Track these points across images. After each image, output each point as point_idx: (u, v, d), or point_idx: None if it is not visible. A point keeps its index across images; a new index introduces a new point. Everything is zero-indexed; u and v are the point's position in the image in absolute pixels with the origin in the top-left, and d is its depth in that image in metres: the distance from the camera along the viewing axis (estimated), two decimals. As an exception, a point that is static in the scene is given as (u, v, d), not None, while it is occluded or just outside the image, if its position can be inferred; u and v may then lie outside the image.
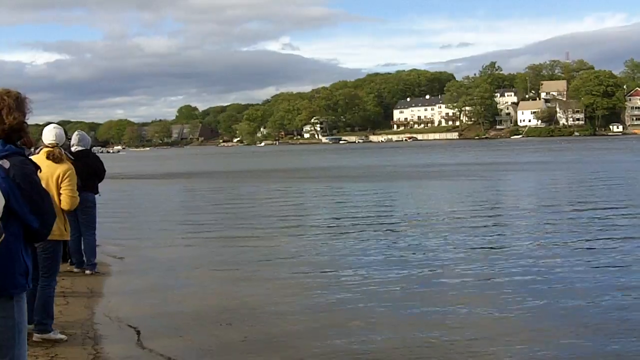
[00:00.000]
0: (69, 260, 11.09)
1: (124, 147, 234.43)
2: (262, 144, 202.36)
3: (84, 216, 10.59)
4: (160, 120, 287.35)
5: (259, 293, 9.48)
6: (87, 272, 10.71)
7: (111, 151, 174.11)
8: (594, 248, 12.51)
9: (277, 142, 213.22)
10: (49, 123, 8.10)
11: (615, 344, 6.90)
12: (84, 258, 10.78)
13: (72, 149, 10.61)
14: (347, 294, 9.25)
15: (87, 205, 10.60)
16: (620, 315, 7.90)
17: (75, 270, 10.81)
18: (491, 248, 12.80)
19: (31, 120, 4.27)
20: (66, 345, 6.85)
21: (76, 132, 11.02)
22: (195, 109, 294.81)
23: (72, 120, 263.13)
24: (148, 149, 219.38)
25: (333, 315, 8.23)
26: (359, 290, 9.47)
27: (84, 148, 10.69)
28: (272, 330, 7.54)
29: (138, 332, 7.49)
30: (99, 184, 11.01)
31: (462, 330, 7.48)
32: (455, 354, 6.71)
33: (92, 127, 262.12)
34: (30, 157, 4.15)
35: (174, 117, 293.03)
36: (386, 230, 15.68)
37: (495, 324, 7.74)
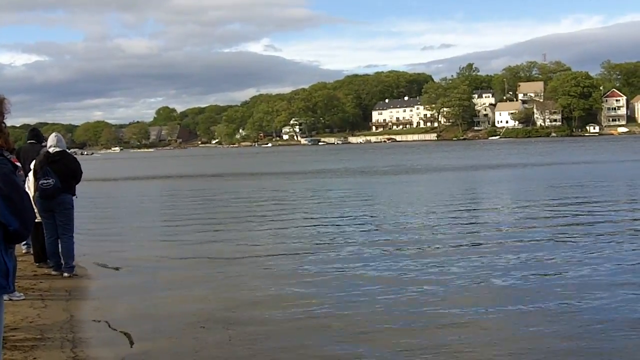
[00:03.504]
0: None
1: (121, 148, 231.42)
2: (269, 144, 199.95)
3: (62, 218, 10.51)
4: (138, 122, 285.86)
5: (242, 295, 9.45)
6: (65, 274, 10.63)
7: (96, 153, 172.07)
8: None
9: (255, 143, 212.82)
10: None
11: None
12: (62, 261, 10.70)
13: (50, 150, 10.54)
14: (329, 296, 9.25)
15: (65, 207, 10.54)
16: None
17: (53, 273, 10.73)
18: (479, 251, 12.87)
19: (8, 122, 4.22)
20: (44, 349, 6.79)
21: (54, 134, 10.94)
22: (174, 110, 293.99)
23: (49, 122, 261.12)
24: (152, 150, 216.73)
25: (315, 316, 8.24)
26: (341, 292, 9.47)
27: (61, 149, 10.62)
28: (255, 332, 7.53)
29: (117, 335, 7.45)
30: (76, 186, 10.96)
31: (447, 333, 7.52)
32: (438, 355, 6.75)
33: (69, 129, 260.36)
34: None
35: (152, 119, 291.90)
36: (371, 231, 15.71)
37: (483, 326, 7.78)
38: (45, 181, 10.25)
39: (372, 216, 18.61)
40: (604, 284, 9.49)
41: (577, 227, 15.27)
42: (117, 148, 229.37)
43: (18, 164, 8.23)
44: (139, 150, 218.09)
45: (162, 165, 75.53)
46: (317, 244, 13.86)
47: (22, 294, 9.04)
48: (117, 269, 11.69)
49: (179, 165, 71.38)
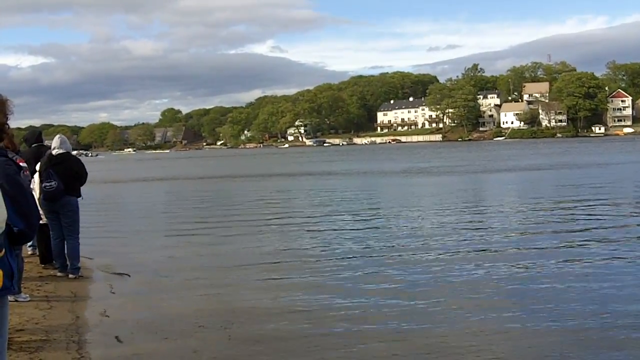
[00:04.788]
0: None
1: (135, 149, 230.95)
2: (286, 145, 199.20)
3: (67, 220, 10.53)
4: (143, 123, 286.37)
5: (243, 297, 9.47)
6: (71, 276, 10.65)
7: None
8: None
9: (261, 144, 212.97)
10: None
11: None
12: (67, 262, 10.72)
13: (54, 152, 10.56)
14: (331, 295, 9.27)
15: (69, 208, 10.55)
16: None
17: (59, 274, 10.74)
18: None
19: (14, 124, 4.23)
20: (50, 350, 6.81)
21: (58, 136, 10.95)
22: (179, 112, 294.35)
23: (55, 124, 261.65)
24: (168, 151, 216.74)
25: (317, 316, 8.25)
26: (343, 292, 9.50)
27: (65, 151, 10.63)
28: (256, 333, 7.54)
29: (122, 336, 7.47)
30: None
31: (446, 334, 7.53)
32: (438, 354, 6.76)
33: (74, 130, 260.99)
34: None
35: (157, 120, 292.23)
36: (376, 235, 15.72)
37: (481, 325, 7.78)
38: (47, 184, 10.27)
39: (380, 220, 18.60)
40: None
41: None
42: (130, 149, 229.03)
43: (24, 164, 8.25)
44: (154, 151, 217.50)
45: (176, 166, 75.67)
46: (322, 248, 13.80)
47: (27, 296, 9.07)
48: (122, 271, 11.69)
49: (193, 167, 71.34)
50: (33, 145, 12.01)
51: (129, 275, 11.34)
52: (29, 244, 11.98)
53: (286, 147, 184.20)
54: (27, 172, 9.14)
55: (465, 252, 12.43)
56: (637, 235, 13.75)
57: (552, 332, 7.36)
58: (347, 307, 8.64)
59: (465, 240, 13.93)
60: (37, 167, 10.73)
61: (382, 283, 10.05)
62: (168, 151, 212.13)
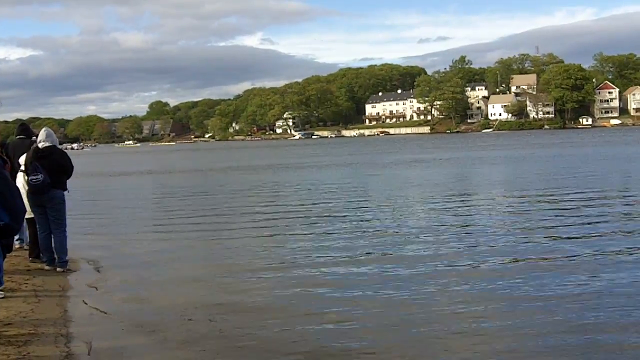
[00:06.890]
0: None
1: (135, 141, 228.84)
2: (297, 136, 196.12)
3: (53, 213, 10.49)
4: (130, 116, 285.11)
5: (235, 288, 9.48)
6: (59, 269, 10.62)
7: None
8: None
9: (249, 137, 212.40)
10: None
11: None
12: (55, 256, 10.68)
13: (39, 145, 10.50)
14: (322, 288, 9.31)
15: (56, 202, 10.51)
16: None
17: (47, 268, 10.71)
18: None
19: (1, 117, 4.19)
20: (38, 344, 6.78)
21: (43, 129, 10.89)
22: (167, 104, 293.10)
23: (42, 116, 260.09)
24: (174, 143, 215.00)
25: (308, 308, 8.27)
26: (334, 284, 9.52)
27: (51, 144, 10.56)
28: (247, 325, 7.55)
29: (110, 329, 7.46)
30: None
31: (440, 324, 7.56)
32: (428, 347, 6.79)
33: (61, 123, 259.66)
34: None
35: (145, 113, 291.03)
36: (357, 225, 15.74)
37: (474, 316, 7.82)
38: (34, 177, 10.22)
39: (371, 214, 18.63)
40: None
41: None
42: (130, 141, 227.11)
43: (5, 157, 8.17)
44: (158, 143, 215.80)
45: (196, 158, 75.47)
46: (313, 242, 13.78)
47: (2, 293, 8.77)
48: (110, 263, 11.68)
49: (212, 159, 71.05)
50: (16, 138, 11.98)
51: (113, 263, 11.38)
52: (16, 237, 11.92)
53: (296, 139, 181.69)
54: (9, 165, 9.10)
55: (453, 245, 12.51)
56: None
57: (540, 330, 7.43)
58: (337, 301, 8.66)
59: (451, 233, 14.00)
60: (21, 161, 10.70)
61: (374, 277, 10.09)
62: (174, 144, 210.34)
